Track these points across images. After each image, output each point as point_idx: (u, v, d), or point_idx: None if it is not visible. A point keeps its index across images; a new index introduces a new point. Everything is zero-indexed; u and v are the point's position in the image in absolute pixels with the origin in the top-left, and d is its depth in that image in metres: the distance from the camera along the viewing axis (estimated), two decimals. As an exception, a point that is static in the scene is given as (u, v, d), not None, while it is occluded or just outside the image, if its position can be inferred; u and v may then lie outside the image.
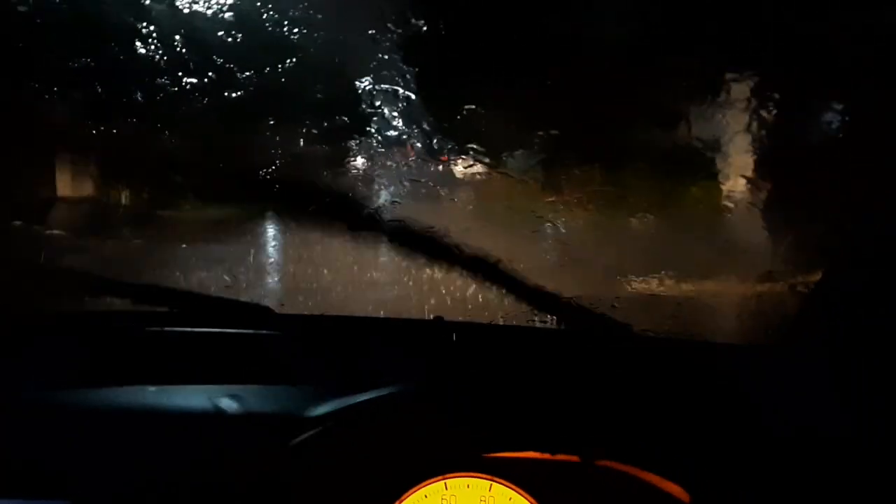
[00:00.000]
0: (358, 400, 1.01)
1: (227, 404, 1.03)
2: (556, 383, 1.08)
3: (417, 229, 1.29)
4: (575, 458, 0.96)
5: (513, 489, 0.97)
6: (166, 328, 1.22)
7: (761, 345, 1.15)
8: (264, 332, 1.20)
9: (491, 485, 0.97)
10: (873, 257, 0.96)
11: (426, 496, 0.97)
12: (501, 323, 1.30)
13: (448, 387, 1.07)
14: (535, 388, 1.06)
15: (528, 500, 0.98)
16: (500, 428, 0.99)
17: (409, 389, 1.04)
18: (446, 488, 0.97)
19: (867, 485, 0.90)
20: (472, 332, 1.29)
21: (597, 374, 1.11)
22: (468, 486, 0.97)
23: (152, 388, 1.06)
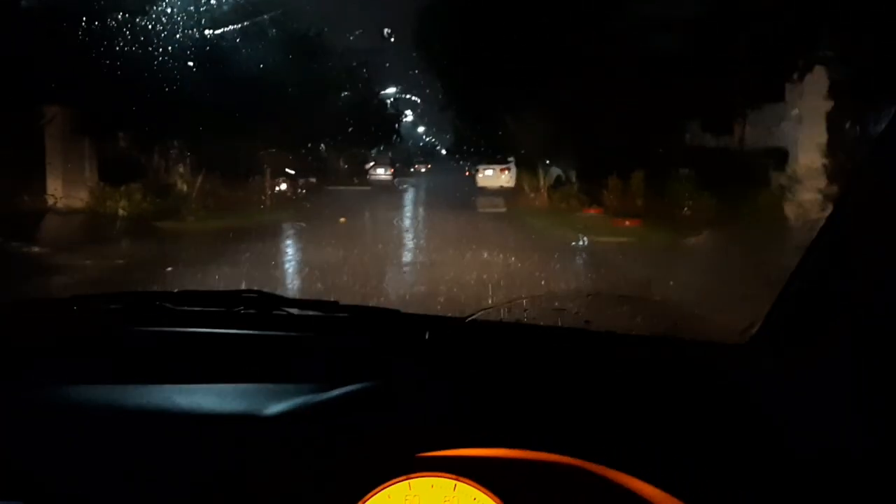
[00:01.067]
0: (320, 398, 1.01)
1: (190, 403, 1.03)
2: (530, 381, 1.06)
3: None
4: (541, 456, 0.93)
5: (477, 488, 0.94)
6: (154, 328, 1.24)
7: (765, 347, 1.05)
8: (234, 331, 1.21)
9: (455, 484, 0.94)
10: (889, 263, 0.88)
11: (389, 496, 0.94)
12: (477, 318, 1.32)
13: (413, 384, 1.05)
14: (503, 385, 1.05)
15: (493, 500, 0.94)
16: (464, 426, 0.96)
17: (372, 387, 1.03)
18: (410, 488, 0.94)
19: (877, 495, 0.84)
20: (443, 328, 1.28)
21: (579, 370, 1.11)
22: (432, 486, 0.94)
23: (114, 387, 1.07)
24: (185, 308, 1.30)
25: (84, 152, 8.44)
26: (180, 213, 8.79)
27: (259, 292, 1.34)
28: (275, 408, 0.98)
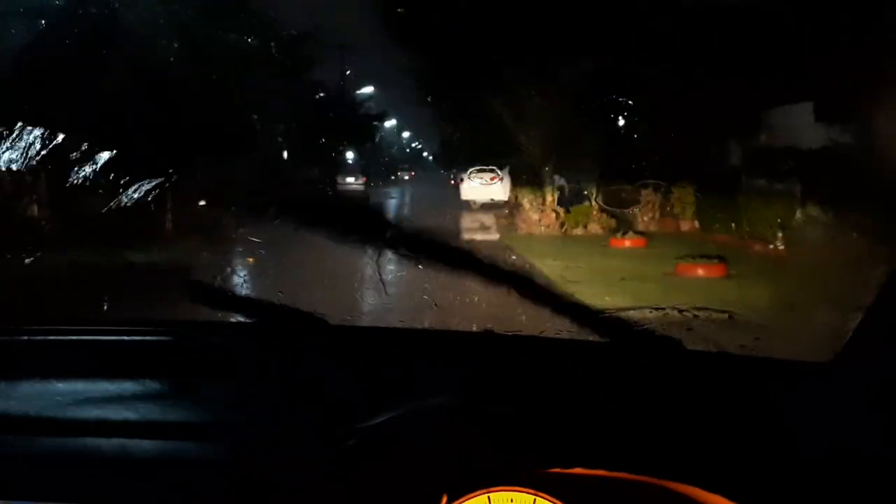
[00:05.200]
0: (399, 412, 1.03)
1: (265, 416, 1.06)
2: (603, 398, 1.08)
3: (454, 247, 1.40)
4: (621, 475, 0.94)
5: None
6: (224, 343, 1.28)
7: (816, 362, 1.07)
8: (304, 345, 1.27)
9: (535, 499, 0.95)
10: None
11: None
12: (547, 335, 1.34)
13: (493, 399, 1.08)
14: (581, 403, 1.07)
15: None
16: (545, 442, 0.99)
17: (451, 401, 1.06)
18: (489, 502, 0.96)
19: None
20: (518, 345, 1.31)
21: (644, 388, 1.10)
22: (511, 501, 0.96)
23: (183, 400, 1.12)
24: (254, 323, 1.34)
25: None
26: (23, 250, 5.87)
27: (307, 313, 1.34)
28: (357, 422, 0.98)
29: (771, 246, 5.60)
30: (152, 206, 8.34)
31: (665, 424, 0.98)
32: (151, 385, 1.11)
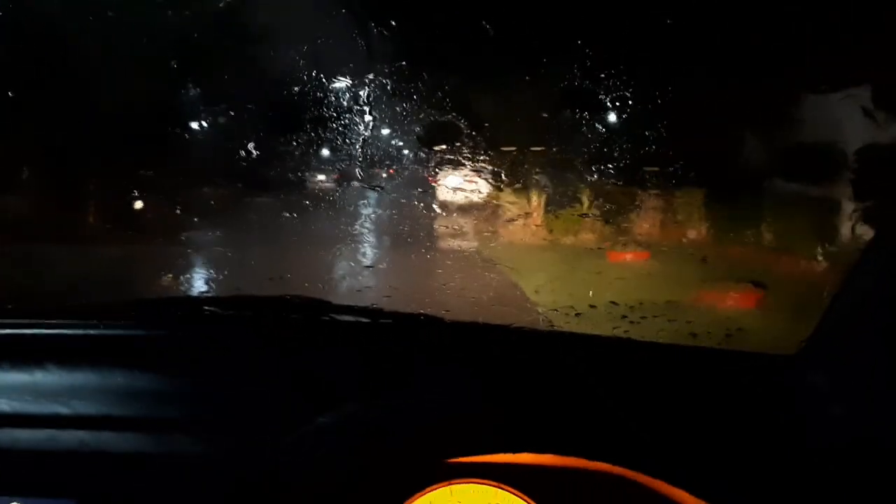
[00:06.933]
0: (360, 404, 1.12)
1: (223, 406, 1.10)
2: (567, 387, 1.13)
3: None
4: (580, 463, 0.98)
5: (518, 495, 1.04)
6: (201, 333, 1.35)
7: (783, 355, 1.11)
8: (280, 337, 1.33)
9: (497, 491, 1.05)
10: None
11: (431, 502, 1.07)
12: (513, 326, 1.35)
13: (451, 391, 1.16)
14: (544, 392, 1.12)
15: None
16: (506, 433, 1.06)
17: (411, 395, 1.13)
18: (451, 494, 1.07)
19: None
20: (486, 336, 1.38)
21: (612, 378, 1.16)
22: (473, 492, 1.07)
23: (163, 391, 1.20)
24: (233, 313, 1.42)
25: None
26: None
27: (307, 298, 1.44)
28: (314, 415, 1.04)
29: (806, 263, 4.59)
30: (73, 206, 7.23)
31: (634, 416, 1.01)
32: (136, 379, 1.16)
